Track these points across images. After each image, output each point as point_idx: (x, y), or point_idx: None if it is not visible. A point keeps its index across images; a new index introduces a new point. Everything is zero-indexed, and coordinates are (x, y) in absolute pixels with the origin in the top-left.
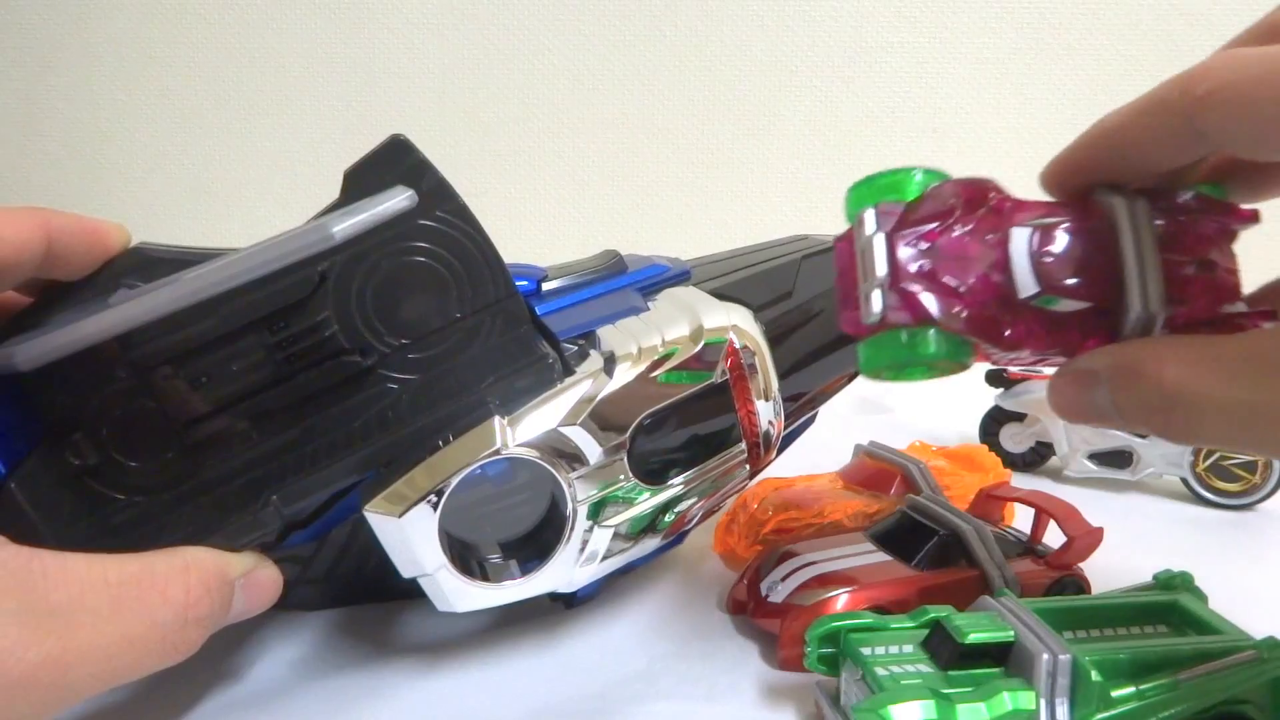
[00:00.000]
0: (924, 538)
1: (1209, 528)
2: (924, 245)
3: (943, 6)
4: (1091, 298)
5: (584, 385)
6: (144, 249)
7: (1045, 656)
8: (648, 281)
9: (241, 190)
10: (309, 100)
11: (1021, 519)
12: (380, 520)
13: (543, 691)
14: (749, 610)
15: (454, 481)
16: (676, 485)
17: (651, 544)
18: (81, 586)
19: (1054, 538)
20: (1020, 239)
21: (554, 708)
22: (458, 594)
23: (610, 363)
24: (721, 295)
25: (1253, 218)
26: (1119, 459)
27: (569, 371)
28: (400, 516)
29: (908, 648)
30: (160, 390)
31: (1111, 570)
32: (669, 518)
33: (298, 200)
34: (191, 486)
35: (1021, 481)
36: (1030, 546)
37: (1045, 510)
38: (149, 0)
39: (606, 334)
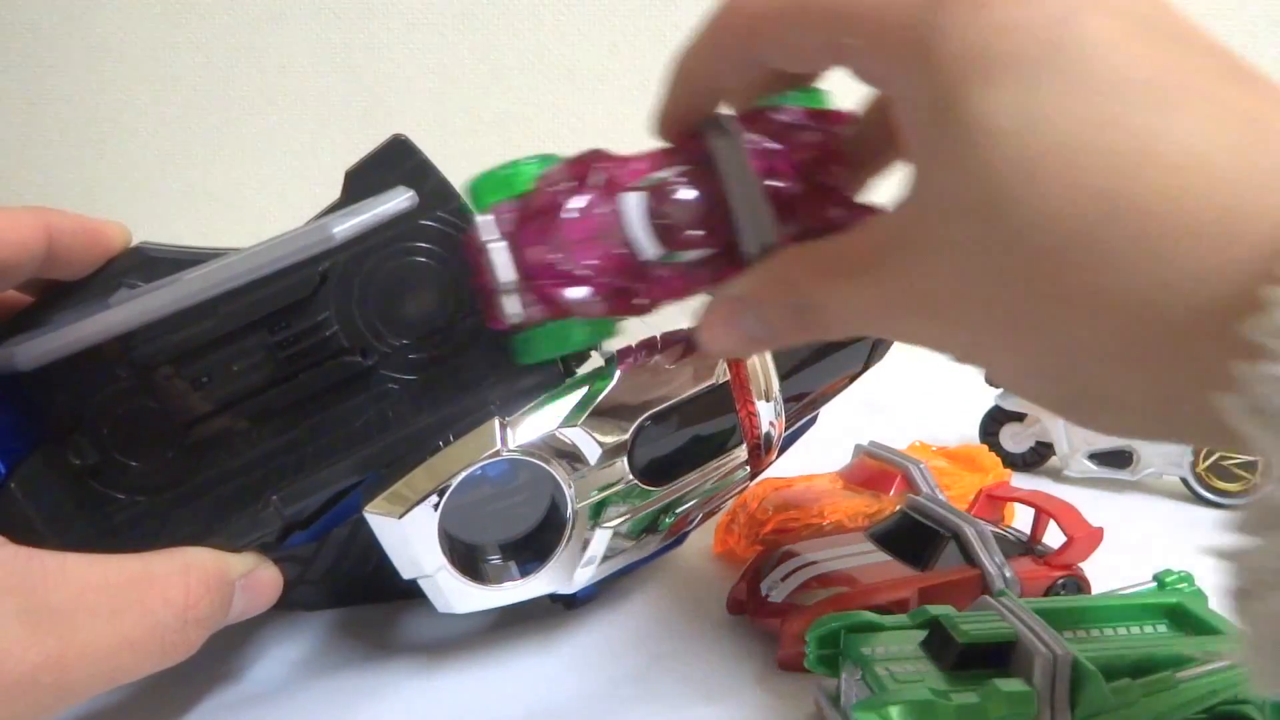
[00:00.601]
0: (924, 538)
1: (1209, 528)
2: (545, 237)
3: None
4: (713, 241)
5: (585, 386)
6: (145, 248)
7: (1045, 656)
8: None
9: (241, 190)
10: (309, 100)
11: (1021, 519)
12: (380, 521)
13: (543, 692)
14: (749, 610)
15: (454, 483)
16: (677, 487)
17: (652, 545)
18: (81, 587)
19: (1054, 538)
20: (631, 205)
21: (554, 708)
22: (458, 595)
23: (611, 363)
24: None
25: (850, 119)
26: (1119, 459)
27: (569, 372)
28: (400, 518)
29: (908, 648)
30: (161, 390)
31: (1111, 570)
32: (669, 519)
33: (298, 200)
34: (192, 486)
35: (1021, 481)
36: (1030, 546)
37: (1045, 510)
38: (149, 0)
39: None
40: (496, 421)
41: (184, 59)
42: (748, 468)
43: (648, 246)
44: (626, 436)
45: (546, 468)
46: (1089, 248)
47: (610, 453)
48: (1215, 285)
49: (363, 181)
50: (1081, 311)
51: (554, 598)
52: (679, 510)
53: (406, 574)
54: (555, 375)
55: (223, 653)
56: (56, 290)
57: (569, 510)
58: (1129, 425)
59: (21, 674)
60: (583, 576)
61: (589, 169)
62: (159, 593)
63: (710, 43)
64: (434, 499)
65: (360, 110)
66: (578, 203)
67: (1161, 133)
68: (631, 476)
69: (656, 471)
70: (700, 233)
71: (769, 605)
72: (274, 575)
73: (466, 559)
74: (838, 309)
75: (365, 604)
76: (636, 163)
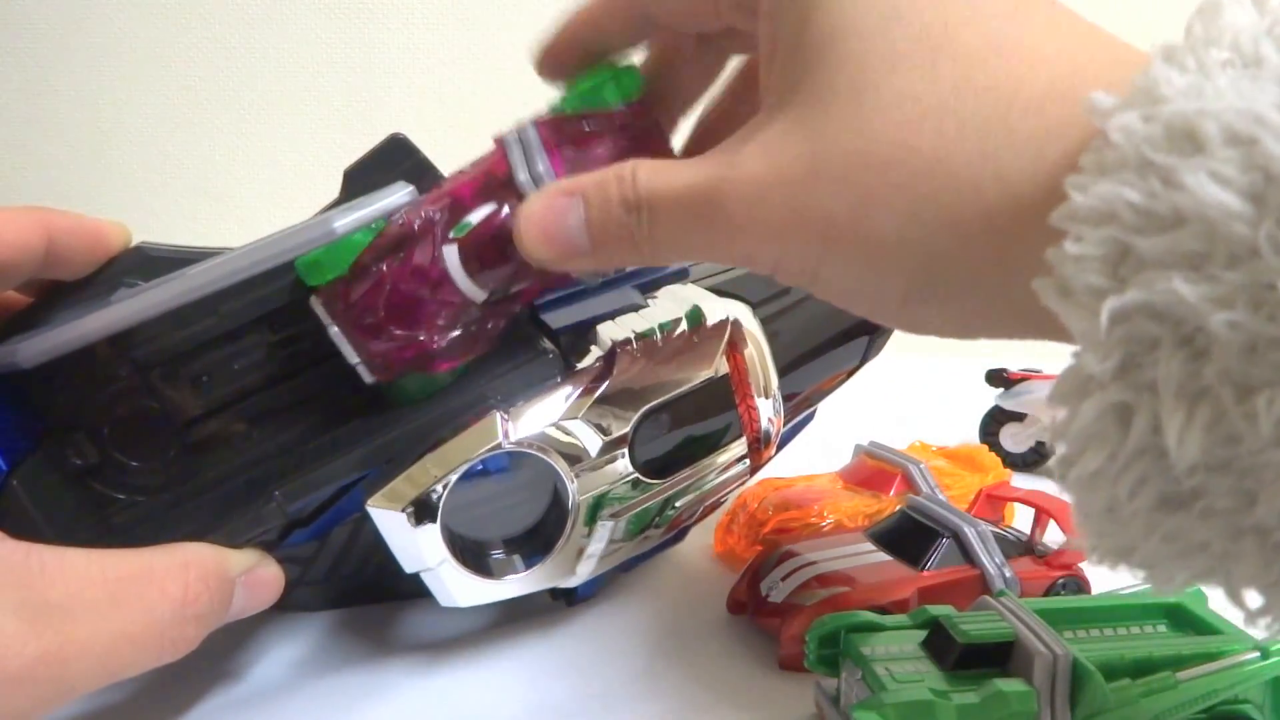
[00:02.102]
0: (924, 538)
1: None
2: (378, 313)
3: None
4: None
5: (584, 380)
6: (145, 248)
7: (1045, 656)
8: (647, 279)
9: (241, 190)
10: (309, 100)
11: (1021, 519)
12: (383, 515)
13: (542, 691)
14: (749, 610)
15: (456, 476)
16: (677, 480)
17: (653, 540)
18: (80, 582)
19: (1054, 538)
20: (451, 259)
21: (554, 707)
22: (460, 588)
23: (610, 358)
24: (720, 291)
25: (643, 113)
26: None
27: (570, 367)
28: (403, 511)
29: (908, 648)
30: (162, 389)
31: (1111, 570)
32: (670, 513)
33: (298, 200)
34: (193, 486)
35: (1021, 481)
36: (1030, 546)
37: (1045, 510)
38: (149, 0)
39: (606, 330)
40: (497, 415)
41: (183, 59)
42: (747, 461)
43: (476, 293)
44: (627, 429)
45: (548, 460)
46: (943, 118)
47: (611, 445)
48: (1049, 156)
49: (362, 180)
50: (938, 176)
51: (554, 595)
52: (679, 504)
53: (410, 568)
54: (556, 369)
55: (223, 653)
56: (57, 290)
57: (571, 503)
58: (970, 312)
59: (20, 668)
60: (585, 570)
61: (411, 232)
62: (158, 588)
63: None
64: (436, 491)
65: (359, 110)
66: (402, 273)
67: (1009, 34)
68: (632, 469)
69: (657, 464)
70: (527, 263)
71: (769, 605)
72: (275, 573)
73: (469, 552)
74: (671, 208)
75: (366, 604)
76: (455, 197)
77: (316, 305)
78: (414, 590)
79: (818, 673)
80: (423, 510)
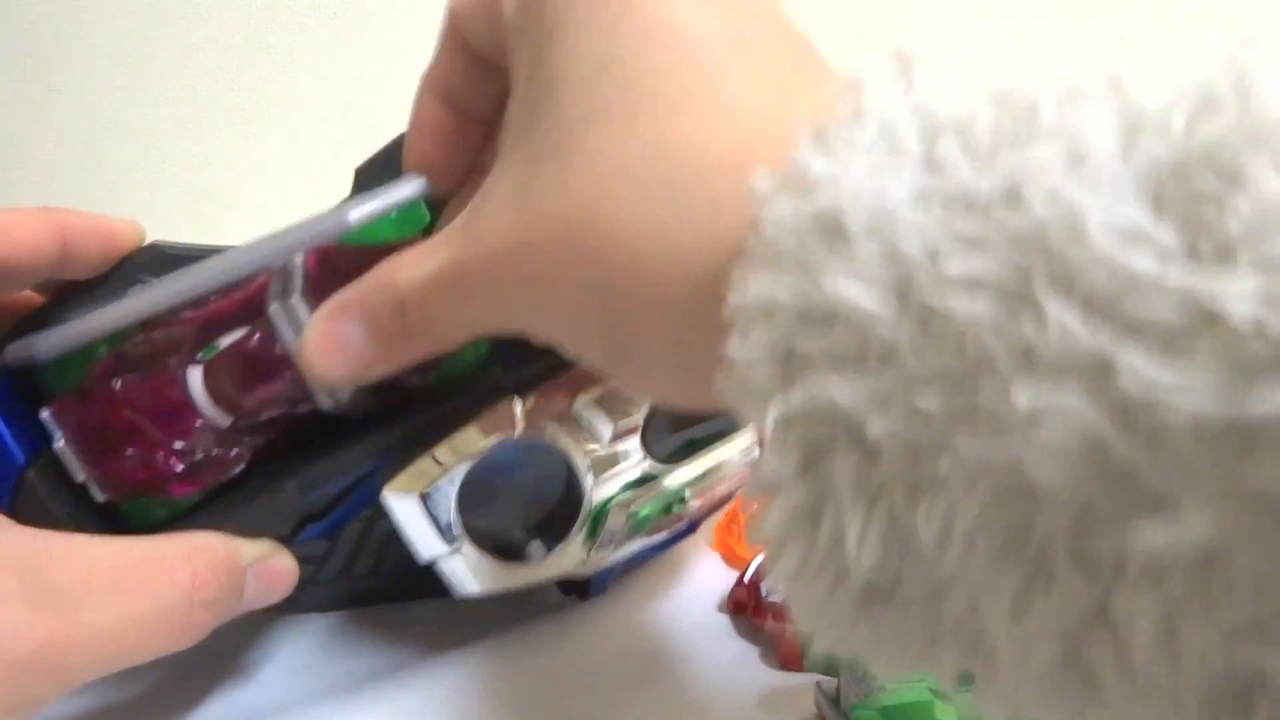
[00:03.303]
0: None
1: None
2: (107, 432)
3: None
4: (292, 398)
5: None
6: (160, 246)
7: None
8: None
9: (243, 191)
10: (310, 100)
11: None
12: (398, 502)
13: (542, 690)
14: (749, 610)
15: (471, 463)
16: (690, 467)
17: (666, 529)
18: (87, 568)
19: None
20: (195, 382)
21: (553, 707)
22: (476, 575)
23: None
24: None
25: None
26: None
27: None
28: (419, 496)
29: None
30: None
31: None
32: (680, 504)
33: (300, 201)
34: None
35: None
36: None
37: None
38: (150, 0)
39: None
40: (511, 402)
41: (185, 59)
42: (758, 450)
43: (220, 418)
44: (639, 416)
45: (561, 448)
46: (626, 180)
47: (624, 433)
48: (718, 232)
49: (373, 179)
50: (616, 247)
51: (567, 590)
52: (690, 494)
53: (425, 555)
54: (567, 356)
55: (227, 651)
56: (72, 288)
57: (584, 490)
58: (664, 385)
59: (26, 654)
60: (598, 559)
61: (154, 349)
62: (165, 574)
63: (440, 45)
64: (451, 479)
65: (362, 111)
66: (141, 391)
67: (714, 82)
68: (645, 456)
69: (670, 452)
70: (274, 393)
71: (769, 605)
72: (289, 564)
73: (484, 539)
74: (429, 293)
75: (378, 604)
76: (208, 319)
77: (46, 417)
78: (424, 591)
79: (818, 673)
80: (437, 497)
